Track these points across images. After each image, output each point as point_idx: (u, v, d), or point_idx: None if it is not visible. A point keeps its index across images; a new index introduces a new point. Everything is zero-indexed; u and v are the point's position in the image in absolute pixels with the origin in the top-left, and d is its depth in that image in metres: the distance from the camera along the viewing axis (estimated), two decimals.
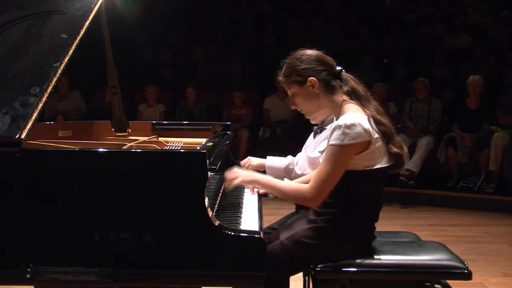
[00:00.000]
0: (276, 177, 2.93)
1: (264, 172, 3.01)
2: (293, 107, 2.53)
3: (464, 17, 10.23)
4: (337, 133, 2.23)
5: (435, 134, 7.21)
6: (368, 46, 9.19)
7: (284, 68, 2.47)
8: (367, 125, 2.25)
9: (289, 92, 2.48)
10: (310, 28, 9.70)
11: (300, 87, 2.41)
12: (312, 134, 3.07)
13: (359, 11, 10.35)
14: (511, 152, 6.71)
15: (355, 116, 2.26)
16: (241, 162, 3.10)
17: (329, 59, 2.44)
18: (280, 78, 2.48)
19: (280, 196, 2.43)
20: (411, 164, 6.92)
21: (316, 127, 3.04)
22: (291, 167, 2.98)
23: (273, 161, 3.04)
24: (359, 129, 2.22)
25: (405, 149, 2.41)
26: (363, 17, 10.17)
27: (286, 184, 2.41)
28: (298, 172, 2.94)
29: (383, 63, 9.17)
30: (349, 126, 2.22)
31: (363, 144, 2.25)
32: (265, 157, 3.12)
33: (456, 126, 7.14)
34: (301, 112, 2.52)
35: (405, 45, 9.28)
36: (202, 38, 9.76)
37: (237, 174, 2.44)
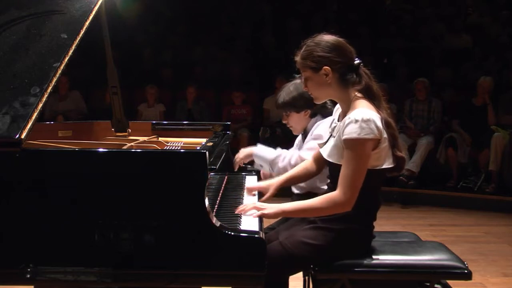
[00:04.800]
0: (261, 165, 3.03)
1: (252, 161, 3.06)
2: (304, 89, 2.51)
3: (464, 17, 10.23)
4: (352, 126, 2.23)
5: (435, 134, 7.21)
6: (368, 46, 9.19)
7: (303, 50, 2.41)
8: (379, 124, 2.25)
9: (303, 75, 2.44)
10: (310, 28, 9.69)
11: (314, 73, 2.37)
12: (300, 136, 3.15)
13: (359, 11, 10.35)
14: (511, 152, 6.71)
15: (369, 113, 2.26)
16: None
17: (350, 50, 2.40)
18: (297, 58, 2.43)
19: (313, 215, 2.37)
20: (411, 164, 6.92)
21: (302, 134, 3.12)
22: (277, 160, 2.98)
23: (262, 151, 3.05)
24: (373, 125, 2.23)
25: (405, 154, 2.42)
26: (363, 17, 10.17)
27: (314, 200, 2.33)
28: (280, 165, 2.95)
29: (383, 63, 9.17)
30: (365, 121, 2.22)
31: (375, 142, 2.25)
32: None
33: (457, 123, 7.15)
34: (312, 96, 2.48)
35: (405, 45, 9.28)
36: (202, 38, 9.76)
37: (264, 207, 2.36)
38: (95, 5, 2.54)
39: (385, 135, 2.29)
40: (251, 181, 2.92)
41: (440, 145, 7.10)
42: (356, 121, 2.23)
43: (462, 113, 7.28)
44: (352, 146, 2.23)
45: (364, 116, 2.23)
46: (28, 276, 1.98)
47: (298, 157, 2.92)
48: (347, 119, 2.27)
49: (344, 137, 2.25)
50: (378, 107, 2.33)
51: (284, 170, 2.90)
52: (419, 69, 8.23)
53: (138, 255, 1.97)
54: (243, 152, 3.10)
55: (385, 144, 2.29)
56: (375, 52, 9.05)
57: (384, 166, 2.31)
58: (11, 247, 2.00)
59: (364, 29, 9.64)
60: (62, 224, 1.99)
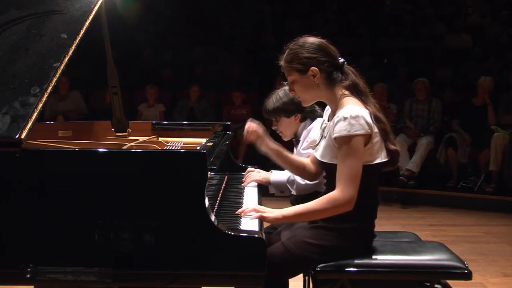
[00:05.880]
0: (281, 191, 3.02)
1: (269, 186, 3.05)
2: (291, 93, 2.51)
3: (464, 17, 10.23)
4: (342, 124, 2.23)
5: (435, 134, 7.21)
6: (368, 46, 9.19)
7: (286, 54, 2.41)
8: (368, 119, 2.26)
9: (289, 79, 2.43)
10: (310, 28, 9.67)
11: (301, 75, 2.37)
12: (294, 147, 3.17)
13: (359, 11, 10.35)
14: (511, 152, 6.71)
15: (357, 109, 2.26)
16: (246, 175, 3.10)
17: (333, 49, 2.40)
18: (281, 63, 2.42)
19: (315, 218, 2.35)
20: (411, 164, 6.93)
21: (293, 139, 3.14)
22: (292, 178, 2.99)
23: (278, 176, 3.05)
24: (362, 121, 2.23)
25: (399, 147, 2.42)
26: (363, 17, 10.17)
27: (314, 202, 2.30)
28: (301, 182, 2.95)
29: (383, 63, 9.18)
30: (354, 117, 2.22)
31: (366, 137, 2.25)
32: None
33: (457, 123, 7.16)
34: (299, 99, 2.48)
35: (405, 45, 9.28)
36: (202, 38, 9.76)
37: (264, 210, 2.34)
38: (95, 5, 2.54)
39: (375, 130, 2.29)
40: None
41: (440, 145, 7.10)
42: (345, 118, 2.23)
43: (462, 113, 7.28)
44: (344, 143, 2.23)
45: (352, 113, 2.24)
46: (28, 276, 1.98)
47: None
48: (336, 118, 2.27)
49: (335, 135, 2.25)
50: (365, 102, 2.33)
51: (306, 185, 2.92)
52: (419, 69, 8.23)
53: (138, 255, 1.97)
54: (262, 175, 3.07)
55: (376, 138, 2.30)
56: (375, 52, 9.05)
57: (377, 161, 2.31)
58: (11, 247, 2.00)
59: (364, 29, 9.64)
60: (62, 224, 1.99)
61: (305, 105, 2.53)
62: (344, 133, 2.22)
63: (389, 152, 2.35)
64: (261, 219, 2.32)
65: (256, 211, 2.34)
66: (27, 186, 2.00)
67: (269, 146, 2.66)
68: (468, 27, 9.70)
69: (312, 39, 2.41)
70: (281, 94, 3.10)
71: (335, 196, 2.25)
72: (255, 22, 10.35)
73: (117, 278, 2.00)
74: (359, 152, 2.24)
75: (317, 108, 3.06)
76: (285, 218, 2.34)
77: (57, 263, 1.99)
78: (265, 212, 2.33)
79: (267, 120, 3.20)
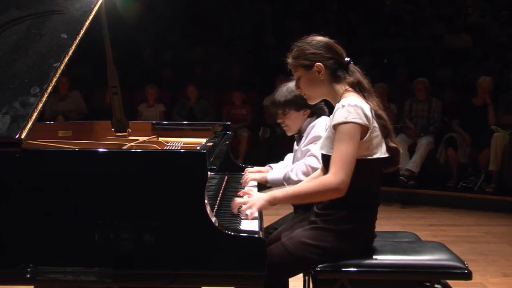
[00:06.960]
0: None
1: (267, 184, 3.05)
2: (297, 91, 2.53)
3: (464, 17, 10.23)
4: (340, 111, 2.25)
5: (435, 134, 7.22)
6: (368, 46, 9.19)
7: (294, 51, 2.46)
8: (367, 112, 2.27)
9: (295, 75, 2.47)
10: (310, 28, 9.68)
11: (306, 71, 2.41)
12: (295, 142, 3.14)
13: (359, 11, 10.35)
14: (511, 152, 6.71)
15: (357, 100, 2.28)
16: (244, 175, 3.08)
17: (339, 48, 2.43)
18: (289, 60, 2.47)
19: (306, 200, 2.36)
20: (411, 164, 6.93)
21: (296, 134, 3.10)
22: (287, 175, 2.98)
23: (274, 174, 3.05)
24: (360, 111, 2.24)
25: (400, 148, 2.42)
26: (363, 17, 10.17)
27: (306, 184, 2.31)
28: (294, 178, 2.93)
29: (383, 63, 9.18)
30: (352, 106, 2.24)
31: (364, 129, 2.25)
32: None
33: (457, 123, 7.16)
34: (304, 96, 2.50)
35: (405, 45, 9.28)
36: (202, 38, 9.76)
37: (251, 203, 2.35)
38: (95, 5, 2.54)
39: (375, 125, 2.30)
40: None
41: (440, 145, 7.10)
42: (343, 106, 2.26)
43: (462, 113, 7.29)
44: (340, 129, 2.24)
45: (350, 102, 2.26)
46: (28, 276, 1.98)
47: (303, 165, 2.90)
48: (335, 108, 2.30)
49: (333, 123, 2.27)
50: (367, 99, 2.35)
51: (299, 181, 2.89)
52: (419, 69, 8.24)
53: (138, 255, 1.97)
54: (260, 175, 3.07)
55: (376, 133, 2.30)
56: (375, 52, 9.05)
57: (376, 156, 2.30)
58: (11, 247, 2.00)
59: (364, 29, 9.64)
60: (62, 224, 1.99)
61: (310, 102, 2.53)
62: (341, 119, 2.24)
63: (389, 149, 2.35)
64: (252, 210, 2.33)
65: (241, 203, 2.37)
66: (27, 186, 2.00)
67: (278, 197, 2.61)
68: (468, 27, 9.70)
69: (319, 38, 2.45)
70: (292, 86, 3.07)
71: (326, 179, 2.24)
72: (255, 22, 10.35)
73: (117, 278, 2.00)
74: (354, 139, 2.23)
75: (324, 106, 3.05)
76: (276, 199, 2.34)
77: (57, 263, 1.99)
78: (253, 204, 2.33)
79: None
